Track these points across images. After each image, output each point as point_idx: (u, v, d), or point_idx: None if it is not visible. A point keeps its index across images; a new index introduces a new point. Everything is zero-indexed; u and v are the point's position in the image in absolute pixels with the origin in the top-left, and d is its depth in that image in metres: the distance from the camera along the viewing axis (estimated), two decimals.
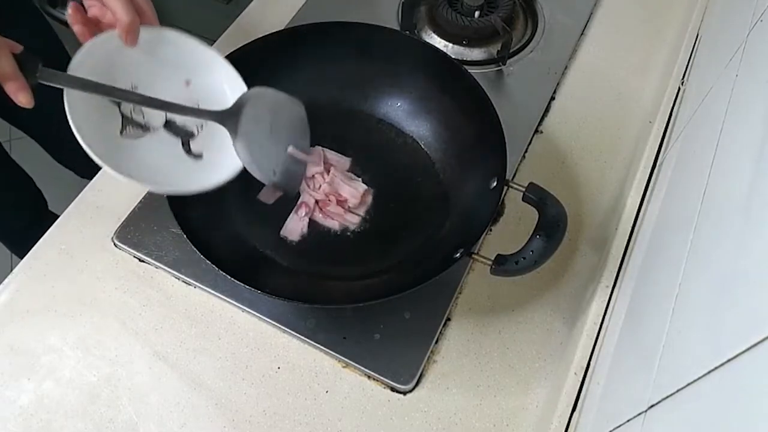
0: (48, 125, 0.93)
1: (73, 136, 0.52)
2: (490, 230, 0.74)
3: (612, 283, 0.66)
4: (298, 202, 0.71)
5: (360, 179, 0.73)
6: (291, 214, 0.71)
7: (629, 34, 0.93)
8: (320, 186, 0.71)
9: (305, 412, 0.63)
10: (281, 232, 0.70)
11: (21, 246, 0.72)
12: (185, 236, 0.59)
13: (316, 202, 0.71)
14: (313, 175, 0.72)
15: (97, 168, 0.58)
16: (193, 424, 0.62)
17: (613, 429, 0.45)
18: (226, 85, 0.62)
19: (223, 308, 0.68)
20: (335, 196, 0.71)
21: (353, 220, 0.71)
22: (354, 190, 0.71)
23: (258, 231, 0.70)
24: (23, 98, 0.52)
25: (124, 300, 0.68)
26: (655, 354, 0.43)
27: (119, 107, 0.58)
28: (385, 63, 0.76)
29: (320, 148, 0.73)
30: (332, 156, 0.74)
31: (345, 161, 0.74)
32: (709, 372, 0.33)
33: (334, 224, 0.70)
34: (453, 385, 0.65)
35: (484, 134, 0.69)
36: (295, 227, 0.70)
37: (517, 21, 0.93)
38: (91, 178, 0.74)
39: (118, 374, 0.64)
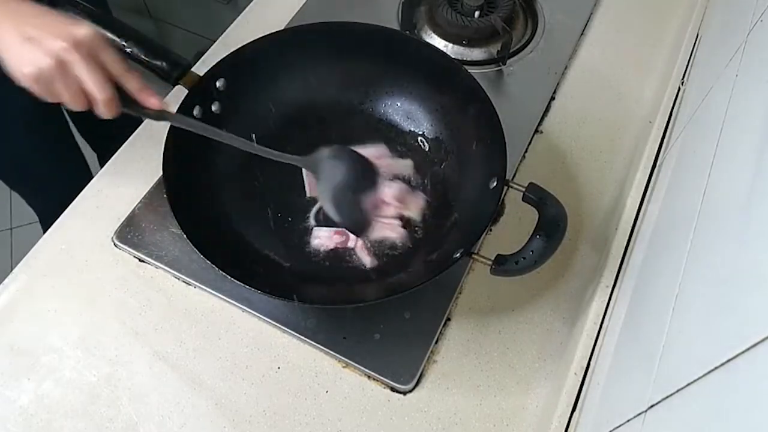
0: None
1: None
2: (490, 230, 0.74)
3: (612, 283, 0.66)
4: (342, 229, 0.70)
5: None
6: (327, 230, 0.70)
7: (629, 34, 0.93)
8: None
9: (305, 412, 0.63)
10: (310, 239, 0.70)
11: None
12: (185, 236, 0.59)
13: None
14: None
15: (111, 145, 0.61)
16: (193, 424, 0.62)
17: (613, 429, 0.45)
18: None
19: (223, 308, 0.68)
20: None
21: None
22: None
23: (258, 231, 0.70)
24: (156, 101, 0.59)
25: (124, 300, 0.68)
26: (655, 354, 0.43)
27: None
28: (385, 63, 0.76)
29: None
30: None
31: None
32: (709, 372, 0.33)
33: (367, 260, 0.69)
34: (453, 385, 0.65)
35: (484, 134, 0.69)
36: (322, 242, 0.69)
37: (517, 21, 0.93)
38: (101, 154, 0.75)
39: (118, 374, 0.64)
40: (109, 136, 0.80)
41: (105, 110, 0.56)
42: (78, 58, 0.53)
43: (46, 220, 1.07)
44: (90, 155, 1.16)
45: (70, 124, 1.13)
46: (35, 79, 0.53)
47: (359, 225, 0.69)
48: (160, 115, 0.60)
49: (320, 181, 0.68)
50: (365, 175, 0.70)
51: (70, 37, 0.53)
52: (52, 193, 0.74)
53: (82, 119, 1.21)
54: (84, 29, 0.54)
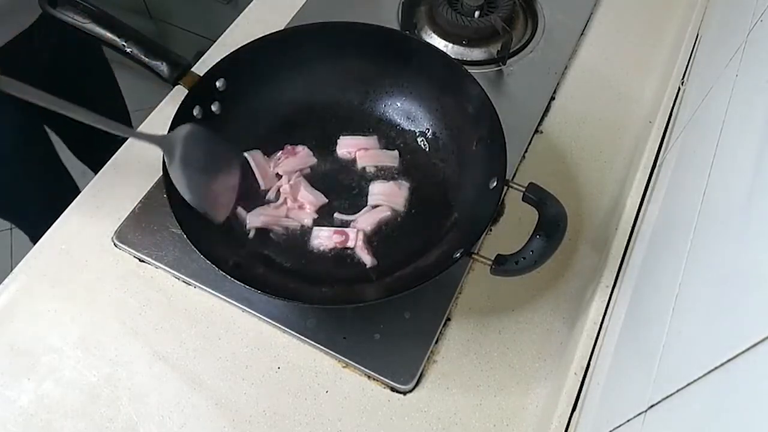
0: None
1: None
2: (490, 230, 0.74)
3: (612, 283, 0.66)
4: (342, 228, 0.70)
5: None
6: (327, 229, 0.70)
7: (629, 34, 0.93)
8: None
9: (305, 412, 0.63)
10: (310, 239, 0.69)
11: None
12: (185, 236, 0.59)
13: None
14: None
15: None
16: (193, 424, 0.62)
17: (613, 429, 0.45)
18: None
19: (223, 308, 0.68)
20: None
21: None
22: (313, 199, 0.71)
23: (258, 231, 0.70)
24: None
25: (124, 300, 0.68)
26: (655, 354, 0.43)
27: None
28: (385, 63, 0.76)
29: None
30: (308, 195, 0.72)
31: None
32: (709, 372, 0.33)
33: (367, 259, 0.68)
34: (453, 385, 0.65)
35: (484, 134, 0.69)
36: (322, 241, 0.69)
37: (517, 21, 0.93)
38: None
39: (118, 374, 0.64)
40: (103, 153, 0.80)
41: None
42: None
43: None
44: (78, 175, 1.16)
45: (59, 146, 1.13)
46: None
47: (211, 207, 0.66)
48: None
49: (174, 160, 0.63)
50: (221, 158, 0.68)
51: None
52: (41, 218, 0.74)
53: (77, 140, 1.21)
54: None
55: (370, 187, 0.73)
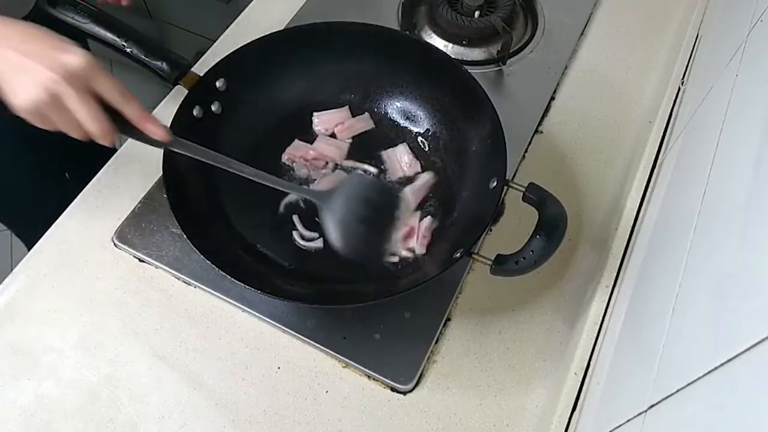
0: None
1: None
2: (490, 230, 0.74)
3: (612, 283, 0.66)
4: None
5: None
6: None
7: (629, 34, 0.93)
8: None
9: (305, 412, 0.63)
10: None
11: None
12: (185, 236, 0.59)
13: None
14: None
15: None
16: (193, 424, 0.62)
17: (613, 429, 0.45)
18: None
19: (223, 308, 0.68)
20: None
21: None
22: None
23: (258, 231, 0.70)
24: (161, 131, 0.57)
25: (124, 300, 0.68)
26: (655, 354, 0.43)
27: None
28: (385, 63, 0.76)
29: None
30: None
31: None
32: (709, 372, 0.33)
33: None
34: (453, 385, 0.65)
35: (484, 134, 0.69)
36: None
37: (517, 21, 0.93)
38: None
39: (118, 374, 0.64)
40: (90, 168, 0.79)
41: (102, 141, 0.54)
42: (71, 91, 0.50)
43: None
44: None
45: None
46: (29, 111, 0.51)
47: (365, 256, 0.67)
48: (165, 145, 0.58)
49: (328, 212, 0.64)
50: (383, 208, 0.68)
51: (62, 68, 0.50)
52: (41, 223, 0.74)
53: (65, 153, 1.20)
54: (77, 57, 0.51)
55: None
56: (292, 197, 0.72)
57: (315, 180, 0.74)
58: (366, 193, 0.66)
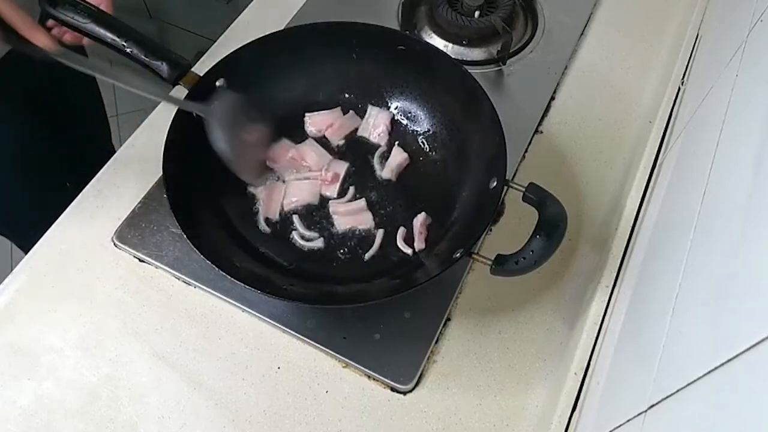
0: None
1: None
2: (490, 230, 0.74)
3: (612, 283, 0.66)
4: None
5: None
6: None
7: (629, 34, 0.93)
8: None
9: (305, 412, 0.63)
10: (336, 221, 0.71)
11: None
12: (185, 236, 0.59)
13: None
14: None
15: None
16: (193, 424, 0.62)
17: (613, 429, 0.45)
18: None
19: (223, 308, 0.68)
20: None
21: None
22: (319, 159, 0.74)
23: (258, 231, 0.70)
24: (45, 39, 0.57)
25: (124, 300, 0.68)
26: (655, 354, 0.43)
27: None
28: (385, 63, 0.76)
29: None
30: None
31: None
32: (709, 372, 0.33)
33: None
34: (453, 385, 0.65)
35: (484, 134, 0.69)
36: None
37: (517, 21, 0.93)
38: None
39: (118, 374, 0.64)
40: (85, 169, 0.80)
41: None
42: None
43: None
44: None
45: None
46: None
47: (244, 169, 0.70)
48: (52, 53, 0.59)
49: (214, 122, 0.66)
50: (253, 124, 0.71)
51: None
52: (35, 229, 0.74)
53: (61, 155, 1.20)
54: None
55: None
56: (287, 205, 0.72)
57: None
58: (241, 106, 0.69)
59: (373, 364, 0.64)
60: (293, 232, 0.70)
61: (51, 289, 0.69)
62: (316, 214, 0.72)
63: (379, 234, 0.70)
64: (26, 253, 0.71)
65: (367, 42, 0.75)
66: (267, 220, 0.71)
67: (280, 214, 0.71)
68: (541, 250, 0.59)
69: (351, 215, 0.71)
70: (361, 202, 0.72)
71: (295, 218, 0.71)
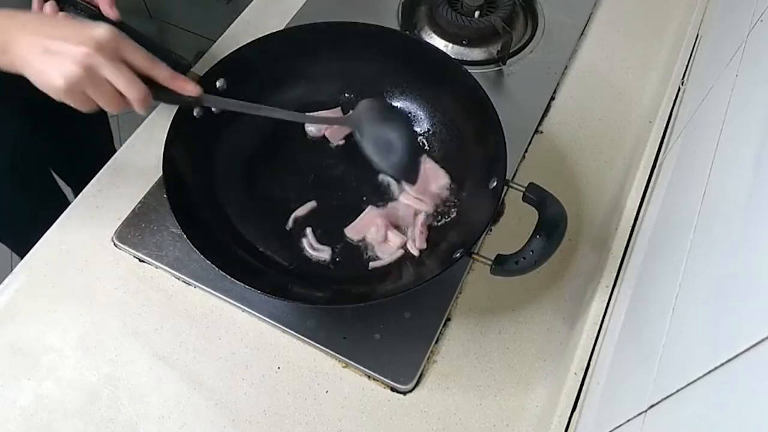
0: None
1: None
2: (490, 230, 0.74)
3: (612, 283, 0.66)
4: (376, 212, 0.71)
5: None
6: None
7: (629, 34, 0.93)
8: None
9: (305, 412, 0.63)
10: (347, 230, 0.70)
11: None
12: (185, 236, 0.59)
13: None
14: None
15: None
16: (193, 424, 0.62)
17: (613, 429, 0.45)
18: None
19: (223, 308, 0.68)
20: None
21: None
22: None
23: (258, 231, 0.70)
24: (193, 88, 0.58)
25: (124, 300, 0.68)
26: (655, 354, 0.43)
27: None
28: (385, 63, 0.76)
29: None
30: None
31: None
32: (709, 372, 0.33)
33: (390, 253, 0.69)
34: (453, 385, 0.65)
35: (484, 134, 0.69)
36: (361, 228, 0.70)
37: (517, 21, 0.93)
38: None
39: (118, 374, 0.64)
40: (85, 171, 0.79)
41: (140, 107, 0.55)
42: (103, 60, 0.51)
43: None
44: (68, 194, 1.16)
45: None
46: (66, 90, 0.52)
47: (403, 169, 0.70)
48: (197, 100, 0.59)
49: (363, 134, 0.69)
50: (398, 120, 0.73)
51: (91, 41, 0.51)
52: (31, 235, 0.74)
53: (61, 157, 1.20)
54: (102, 30, 0.52)
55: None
56: (300, 211, 0.71)
57: None
58: (382, 113, 0.72)
59: (373, 364, 0.64)
60: (303, 240, 0.70)
61: (51, 289, 0.69)
62: (328, 226, 0.71)
63: (397, 254, 0.69)
64: (17, 253, 0.71)
65: (367, 42, 0.75)
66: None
67: (294, 221, 0.71)
68: (541, 250, 0.59)
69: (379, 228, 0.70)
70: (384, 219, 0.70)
71: (308, 230, 0.70)
